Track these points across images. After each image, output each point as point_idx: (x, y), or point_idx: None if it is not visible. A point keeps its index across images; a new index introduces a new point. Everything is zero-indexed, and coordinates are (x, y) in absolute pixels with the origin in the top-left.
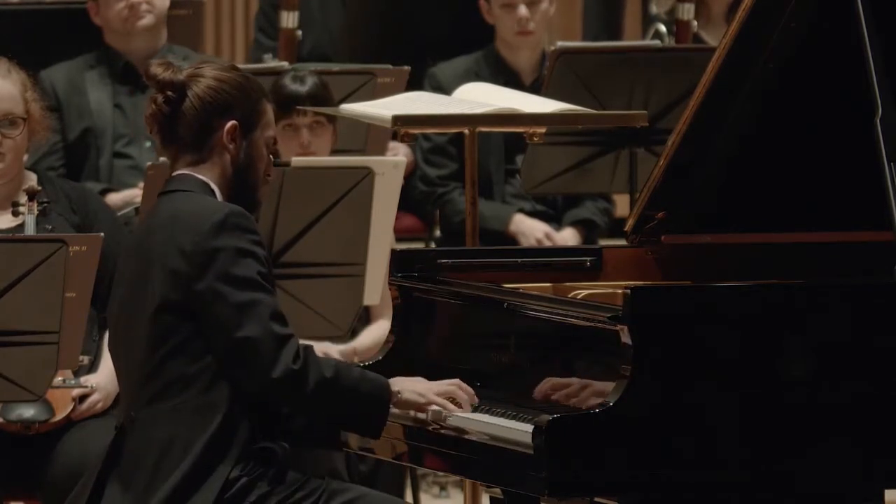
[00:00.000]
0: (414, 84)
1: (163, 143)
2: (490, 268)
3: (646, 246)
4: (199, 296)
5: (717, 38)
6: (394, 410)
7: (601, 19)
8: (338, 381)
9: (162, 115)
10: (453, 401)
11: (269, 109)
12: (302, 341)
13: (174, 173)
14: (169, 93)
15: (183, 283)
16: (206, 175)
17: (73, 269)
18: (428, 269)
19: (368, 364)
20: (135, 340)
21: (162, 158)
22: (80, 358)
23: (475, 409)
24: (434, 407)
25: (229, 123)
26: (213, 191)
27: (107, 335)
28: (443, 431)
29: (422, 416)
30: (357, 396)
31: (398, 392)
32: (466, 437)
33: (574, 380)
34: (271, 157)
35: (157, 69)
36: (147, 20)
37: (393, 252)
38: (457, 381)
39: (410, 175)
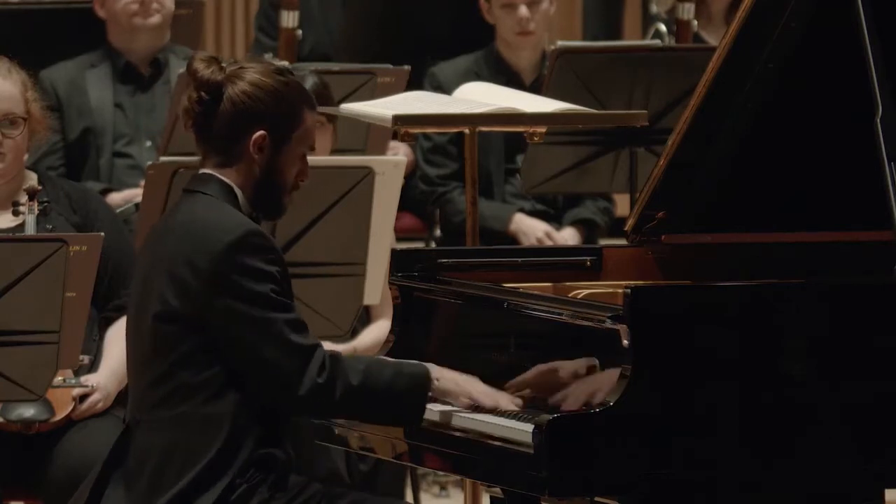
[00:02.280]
0: (414, 84)
1: (196, 139)
2: (490, 268)
3: (646, 246)
4: (212, 315)
5: (717, 38)
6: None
7: (601, 19)
8: (367, 386)
9: (194, 114)
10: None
11: (309, 118)
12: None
13: (200, 171)
14: (203, 93)
15: (193, 298)
16: (230, 178)
17: (73, 269)
18: (428, 269)
19: None
20: (141, 341)
21: (162, 158)
22: (80, 358)
23: (475, 410)
24: (463, 400)
25: (257, 133)
26: (235, 195)
27: (107, 334)
28: (443, 431)
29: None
30: (390, 396)
31: (436, 379)
32: (466, 436)
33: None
34: (306, 164)
35: (199, 64)
36: (156, 19)
37: (393, 252)
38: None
39: (410, 175)
